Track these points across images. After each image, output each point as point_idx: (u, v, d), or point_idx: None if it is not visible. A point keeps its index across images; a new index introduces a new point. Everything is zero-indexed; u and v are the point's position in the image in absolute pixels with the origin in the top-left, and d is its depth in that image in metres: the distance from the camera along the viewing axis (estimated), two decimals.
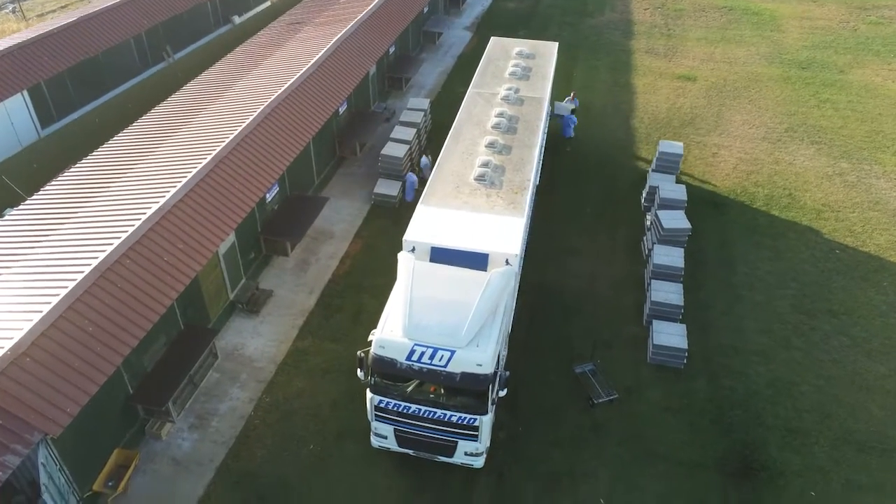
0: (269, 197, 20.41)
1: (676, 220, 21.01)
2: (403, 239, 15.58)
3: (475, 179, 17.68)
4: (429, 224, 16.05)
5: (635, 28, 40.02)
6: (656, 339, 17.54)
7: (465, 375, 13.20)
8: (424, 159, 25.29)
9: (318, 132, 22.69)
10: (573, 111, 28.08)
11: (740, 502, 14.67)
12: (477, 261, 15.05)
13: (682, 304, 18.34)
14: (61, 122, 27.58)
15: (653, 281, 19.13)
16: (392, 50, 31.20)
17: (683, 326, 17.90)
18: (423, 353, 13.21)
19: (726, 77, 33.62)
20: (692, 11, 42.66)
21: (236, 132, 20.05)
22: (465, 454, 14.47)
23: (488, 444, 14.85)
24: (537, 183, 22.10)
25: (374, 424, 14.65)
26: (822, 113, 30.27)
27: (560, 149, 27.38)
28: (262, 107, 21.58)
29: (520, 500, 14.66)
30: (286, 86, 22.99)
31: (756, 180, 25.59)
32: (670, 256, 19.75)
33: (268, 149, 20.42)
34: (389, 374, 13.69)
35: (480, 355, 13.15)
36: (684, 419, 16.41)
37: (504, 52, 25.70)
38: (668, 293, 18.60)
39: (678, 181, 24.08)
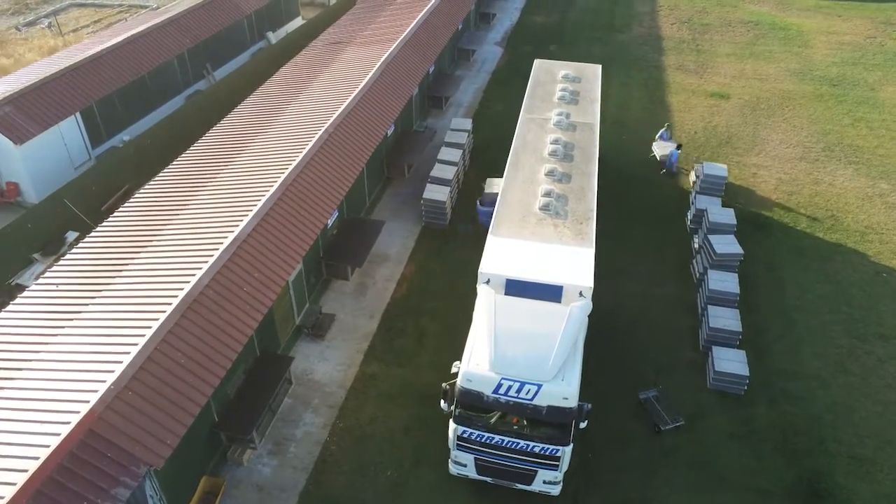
0: (329, 222, 20.84)
1: (728, 244, 21.40)
2: (479, 271, 16.01)
3: (540, 209, 18.10)
4: (502, 255, 16.47)
5: (664, 44, 40.40)
6: (717, 365, 17.93)
7: (551, 409, 13.61)
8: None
9: (371, 158, 23.14)
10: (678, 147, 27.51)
11: None
12: (551, 293, 15.46)
13: (740, 329, 18.74)
14: (110, 143, 28.10)
15: (709, 307, 19.52)
16: (432, 69, 31.63)
17: (743, 353, 18.29)
18: (510, 387, 13.63)
19: (759, 95, 34.00)
20: (718, 26, 43.03)
21: (299, 158, 20.50)
22: (544, 482, 14.87)
23: (565, 470, 15.26)
24: None
25: (455, 453, 15.05)
26: (857, 132, 30.65)
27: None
28: (320, 131, 22.02)
29: None
30: (341, 109, 23.43)
31: (798, 201, 25.96)
32: (725, 282, 20.14)
33: (329, 174, 20.87)
34: (475, 407, 14.11)
35: (566, 389, 13.56)
36: (749, 445, 16.79)
37: (550, 76, 26.12)
38: (725, 319, 18.99)
39: (724, 203, 24.44)
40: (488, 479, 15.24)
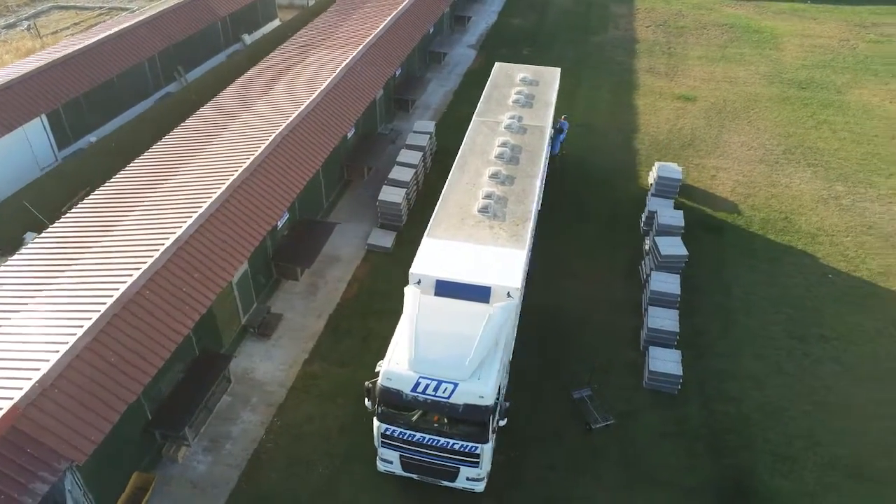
0: (279, 224, 21.17)
1: (674, 246, 21.70)
2: (410, 272, 16.31)
3: (479, 211, 18.41)
4: (434, 257, 16.77)
5: (638, 46, 40.70)
6: (652, 365, 18.23)
7: (467, 407, 13.92)
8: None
9: (327, 158, 23.46)
10: (559, 130, 28.19)
11: None
12: (480, 294, 15.75)
13: (677, 330, 19.02)
14: (77, 145, 28.48)
15: (649, 307, 19.81)
16: (398, 72, 31.96)
17: (678, 353, 18.58)
18: (427, 385, 13.94)
19: (726, 97, 34.28)
20: (694, 29, 43.31)
21: (249, 161, 20.84)
22: (467, 479, 15.18)
23: (489, 469, 15.57)
24: (539, 209, 22.90)
25: (381, 450, 15.37)
26: (820, 134, 30.91)
27: (563, 170, 28.10)
28: (273, 134, 22.37)
29: None
30: (297, 112, 23.78)
31: (753, 203, 26.24)
32: (667, 283, 20.43)
33: (280, 177, 21.20)
34: (395, 405, 14.43)
35: (482, 388, 13.87)
36: (679, 444, 17.08)
37: (508, 79, 26.44)
38: (664, 319, 19.28)
39: (677, 205, 24.72)
40: (414, 476, 15.55)
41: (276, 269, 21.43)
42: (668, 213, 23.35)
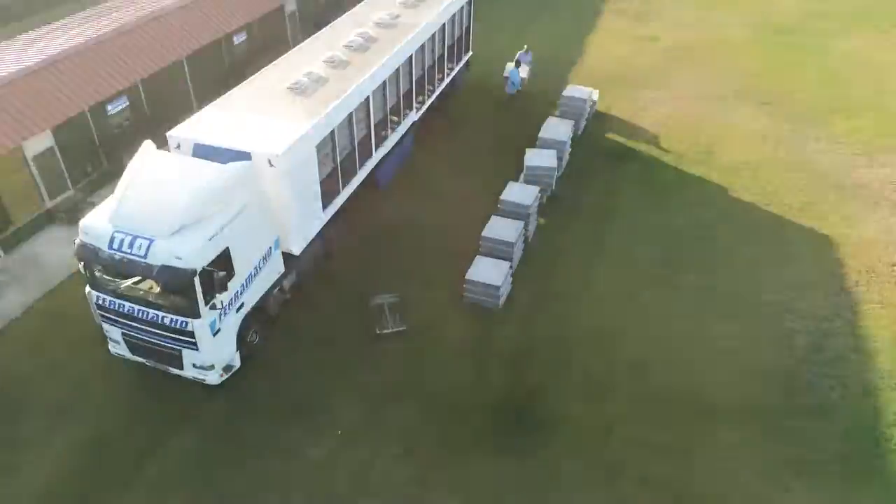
0: (111, 109, 19.58)
1: (541, 157, 18.98)
2: (167, 135, 14.38)
3: (288, 87, 16.27)
4: (204, 123, 14.78)
5: None
6: (470, 273, 15.67)
7: (164, 269, 11.82)
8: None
9: (200, 59, 21.87)
10: (517, 63, 25.71)
11: (503, 449, 12.70)
12: (240, 160, 13.64)
13: (513, 241, 16.35)
14: None
15: (492, 217, 17.20)
16: None
17: (507, 264, 15.93)
18: (122, 241, 11.94)
19: (695, 39, 30.79)
20: None
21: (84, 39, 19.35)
22: (194, 367, 13.13)
23: (229, 362, 13.49)
24: (414, 117, 20.63)
25: (105, 327, 13.49)
26: (783, 77, 27.17)
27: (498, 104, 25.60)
28: (132, 18, 20.87)
29: (247, 431, 13.15)
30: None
31: (677, 136, 23.07)
32: (523, 194, 17.75)
33: (122, 58, 19.64)
34: (94, 264, 12.50)
35: (181, 247, 11.76)
36: (474, 361, 14.50)
37: None
38: (501, 228, 16.65)
39: (591, 133, 21.90)
40: (144, 361, 13.62)
41: (108, 160, 19.82)
42: (555, 125, 20.58)
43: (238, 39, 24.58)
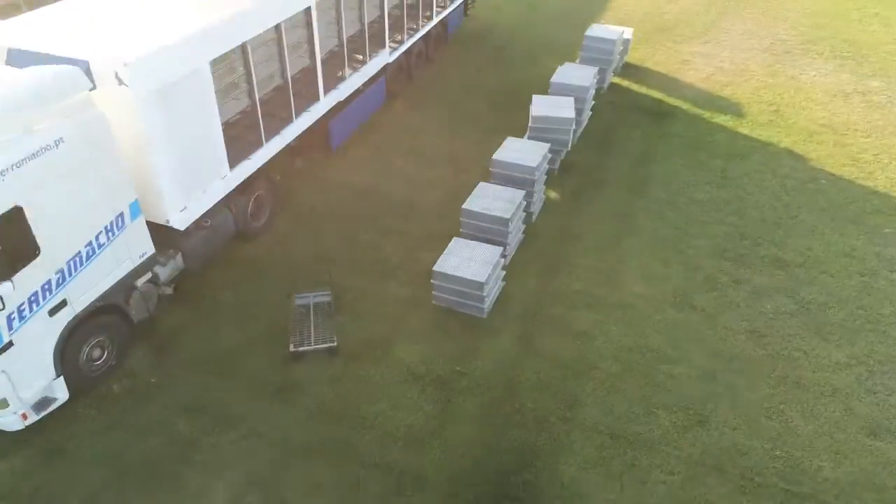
0: None
1: (555, 107, 13.70)
2: None
3: None
4: (33, 23, 9.73)
5: None
6: (438, 264, 10.48)
7: None
8: None
9: None
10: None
11: None
12: None
13: (507, 216, 11.12)
14: None
15: (480, 183, 11.98)
16: None
17: (498, 250, 10.71)
18: None
19: None
20: None
21: None
22: None
23: (42, 394, 8.47)
24: (387, 62, 15.39)
25: None
26: (863, 27, 21.65)
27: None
28: None
29: None
30: None
31: (731, 93, 17.68)
32: (525, 153, 12.51)
33: None
34: None
35: None
36: (436, 404, 9.30)
37: None
38: (491, 200, 11.43)
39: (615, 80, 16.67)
40: None
41: None
42: (571, 70, 15.31)
43: None
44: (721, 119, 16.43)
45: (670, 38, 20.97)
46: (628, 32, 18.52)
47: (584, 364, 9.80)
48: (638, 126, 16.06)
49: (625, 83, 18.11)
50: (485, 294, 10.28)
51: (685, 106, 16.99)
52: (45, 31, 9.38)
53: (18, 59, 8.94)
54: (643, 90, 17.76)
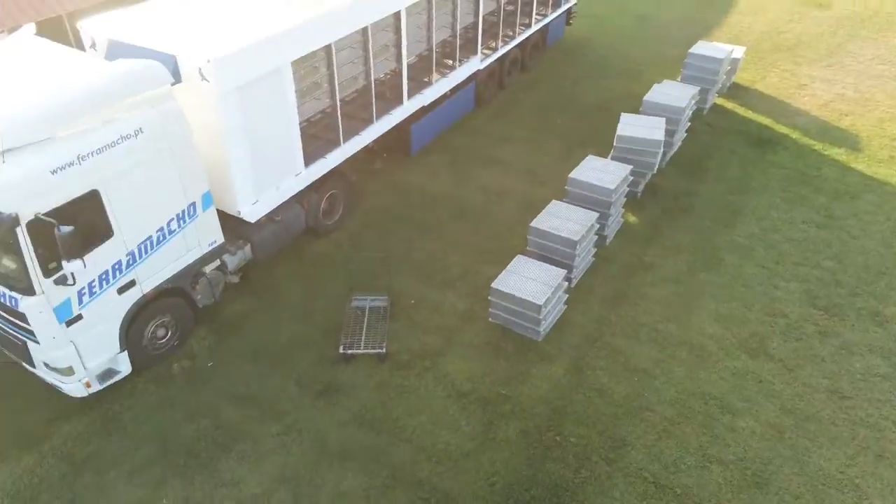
0: None
1: (643, 127, 13.05)
2: (78, 25, 10.05)
3: None
4: (137, 18, 10.31)
5: None
6: (497, 281, 10.21)
7: None
8: None
9: None
10: None
11: None
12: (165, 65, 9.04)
13: (577, 239, 10.69)
14: None
15: (553, 201, 11.59)
16: None
17: (561, 273, 10.31)
18: None
19: (879, 8, 23.20)
20: None
21: None
22: (46, 367, 8.68)
23: (107, 366, 8.96)
24: (478, 68, 15.28)
25: None
26: None
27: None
28: None
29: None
30: None
31: (850, 124, 16.22)
32: (605, 172, 12.00)
33: None
34: None
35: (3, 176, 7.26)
36: (482, 423, 9.07)
37: None
38: (564, 221, 11.03)
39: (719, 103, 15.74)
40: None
41: None
42: (667, 89, 14.55)
43: None
44: (834, 152, 15.09)
45: (788, 59, 19.53)
46: (738, 51, 17.40)
47: (638, 403, 9.25)
48: (736, 153, 15.04)
49: (729, 105, 17.04)
50: (542, 317, 9.92)
51: (794, 134, 15.75)
52: (143, 25, 9.91)
53: (116, 50, 9.53)
54: (749, 114, 16.63)
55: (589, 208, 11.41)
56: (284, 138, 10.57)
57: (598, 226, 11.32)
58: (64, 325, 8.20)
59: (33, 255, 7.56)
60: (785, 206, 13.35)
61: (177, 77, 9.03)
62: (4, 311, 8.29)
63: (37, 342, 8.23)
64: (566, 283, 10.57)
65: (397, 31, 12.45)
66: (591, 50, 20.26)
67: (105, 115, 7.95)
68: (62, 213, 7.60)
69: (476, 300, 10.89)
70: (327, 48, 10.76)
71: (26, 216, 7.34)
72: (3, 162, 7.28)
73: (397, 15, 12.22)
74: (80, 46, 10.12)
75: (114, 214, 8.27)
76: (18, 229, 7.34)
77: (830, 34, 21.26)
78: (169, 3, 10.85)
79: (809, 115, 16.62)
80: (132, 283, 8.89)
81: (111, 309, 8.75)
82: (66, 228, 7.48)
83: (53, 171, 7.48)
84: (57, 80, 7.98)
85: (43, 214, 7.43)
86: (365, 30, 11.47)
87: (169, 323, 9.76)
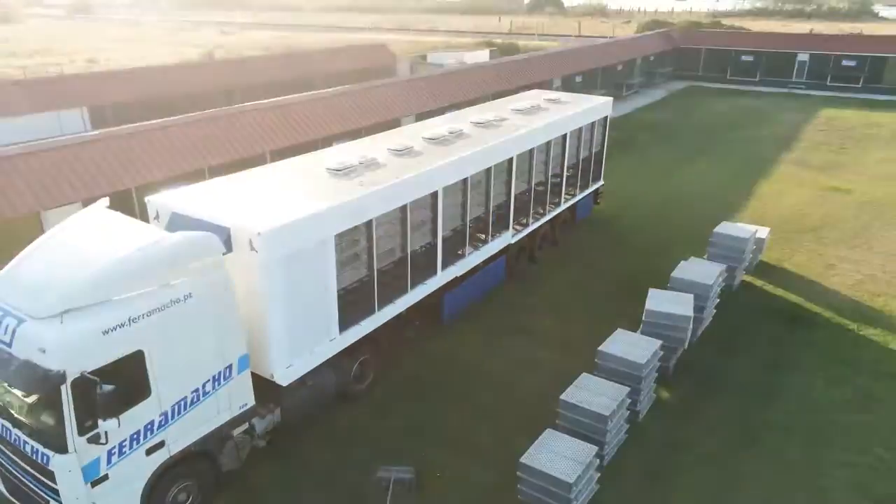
0: None
1: (672, 303, 13.27)
2: (146, 200, 11.08)
3: (329, 169, 12.62)
4: (197, 193, 11.35)
5: (796, 143, 31.93)
6: (527, 457, 9.92)
7: (25, 366, 7.78)
8: None
9: None
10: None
11: None
12: (219, 237, 9.83)
13: (607, 414, 10.49)
14: None
15: (583, 374, 11.56)
16: None
17: (593, 449, 10.02)
18: None
19: None
20: (890, 138, 33.20)
21: None
22: None
23: None
24: (510, 242, 16.16)
25: None
26: None
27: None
28: None
29: None
30: None
31: (884, 304, 16.23)
32: (635, 347, 12.04)
33: None
34: None
35: (52, 334, 7.70)
36: None
37: (538, 96, 20.91)
38: (595, 395, 10.93)
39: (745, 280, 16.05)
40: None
41: None
42: (695, 266, 14.93)
43: None
44: (869, 332, 14.95)
45: (813, 239, 20.05)
46: (763, 231, 18.00)
47: None
48: (767, 330, 15.00)
49: (758, 283, 17.29)
50: (572, 496, 9.50)
51: (826, 313, 15.74)
52: (202, 200, 10.88)
53: (177, 221, 10.42)
54: (778, 292, 16.80)
55: (620, 382, 11.33)
56: (322, 305, 11.04)
57: (629, 400, 11.16)
58: (89, 485, 8.17)
59: (73, 412, 7.77)
60: (822, 385, 13.03)
61: (229, 247, 9.74)
62: (31, 467, 8.33)
63: (58, 502, 8.16)
64: (598, 461, 10.22)
65: (434, 208, 13.35)
66: (619, 225, 21.18)
67: (160, 281, 8.54)
68: (105, 372, 7.91)
69: (503, 474, 10.52)
70: (368, 223, 11.56)
71: (73, 374, 7.67)
72: (62, 322, 7.76)
73: (434, 194, 13.20)
74: (145, 217, 11.08)
75: (154, 374, 8.55)
76: (63, 386, 7.62)
77: (853, 217, 21.93)
78: (227, 180, 11.99)
79: (840, 294, 16.71)
80: (161, 444, 8.93)
81: (137, 470, 8.72)
82: (108, 387, 7.75)
83: (105, 332, 7.92)
84: (120, 247, 8.68)
85: (88, 373, 7.76)
86: (404, 207, 12.36)
87: (191, 487, 9.60)
